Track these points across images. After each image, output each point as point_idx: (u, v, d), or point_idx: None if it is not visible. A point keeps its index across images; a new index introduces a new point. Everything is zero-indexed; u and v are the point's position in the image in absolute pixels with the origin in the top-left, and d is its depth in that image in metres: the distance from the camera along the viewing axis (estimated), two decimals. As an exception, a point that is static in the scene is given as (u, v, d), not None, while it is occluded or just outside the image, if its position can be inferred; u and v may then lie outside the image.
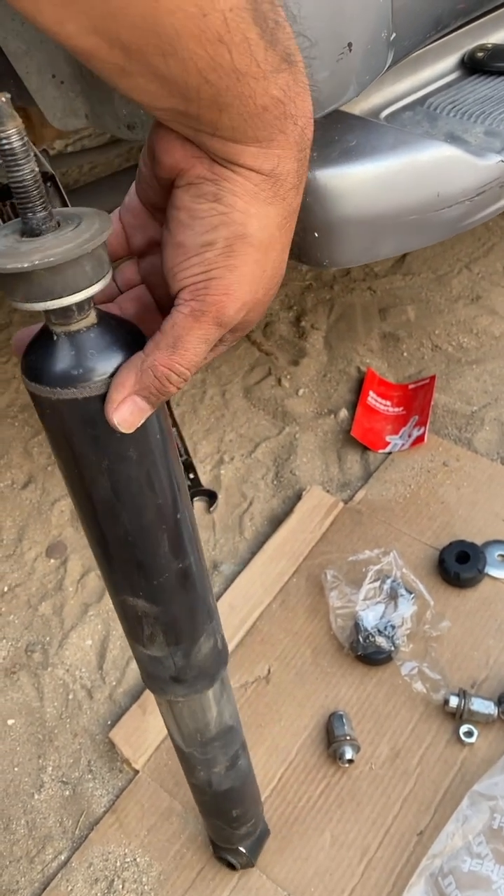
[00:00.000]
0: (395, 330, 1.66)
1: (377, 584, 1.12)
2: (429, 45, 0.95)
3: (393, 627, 1.08)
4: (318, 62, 0.69)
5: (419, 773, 0.98)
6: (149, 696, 1.10)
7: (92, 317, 0.42)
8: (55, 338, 0.42)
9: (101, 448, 0.44)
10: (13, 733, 1.13)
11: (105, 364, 0.42)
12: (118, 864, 0.97)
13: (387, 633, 1.07)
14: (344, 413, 1.49)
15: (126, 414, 0.42)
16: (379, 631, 1.07)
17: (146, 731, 1.07)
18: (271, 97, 0.37)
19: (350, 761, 0.99)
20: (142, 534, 0.50)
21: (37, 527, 1.40)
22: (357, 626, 1.08)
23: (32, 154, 0.38)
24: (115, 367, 0.42)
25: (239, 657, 1.12)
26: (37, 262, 0.37)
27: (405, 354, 1.61)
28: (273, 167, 0.40)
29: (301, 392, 1.57)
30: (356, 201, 0.82)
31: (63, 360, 0.42)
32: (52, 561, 1.34)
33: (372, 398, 1.49)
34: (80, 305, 0.41)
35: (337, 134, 0.85)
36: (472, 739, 0.99)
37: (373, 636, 1.07)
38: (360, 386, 1.55)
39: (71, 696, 1.16)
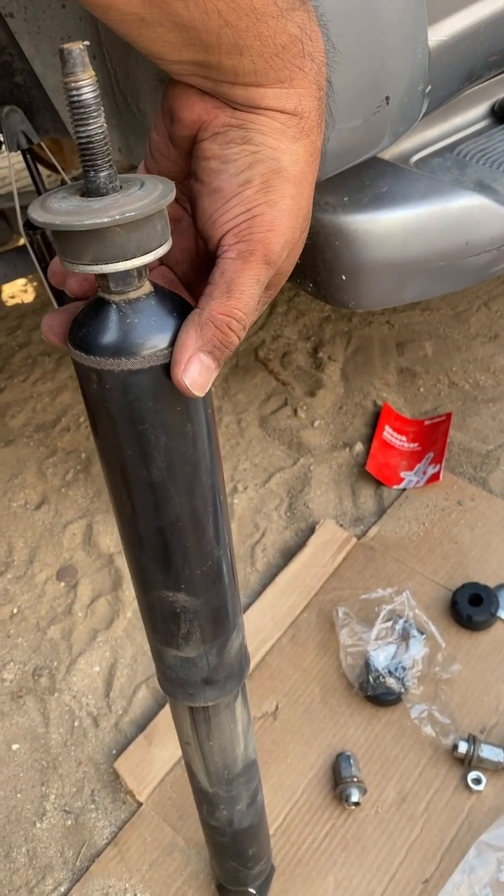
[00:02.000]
0: (412, 365, 1.67)
1: (389, 623, 1.11)
2: (461, 94, 0.96)
3: (404, 669, 1.07)
4: (355, 113, 0.70)
5: (426, 819, 0.97)
6: (155, 728, 1.10)
7: (148, 285, 0.41)
8: (115, 306, 0.41)
9: (162, 423, 0.43)
10: (17, 759, 1.12)
11: (169, 331, 0.41)
12: (118, 898, 0.96)
13: (397, 674, 1.06)
14: (359, 446, 1.50)
15: (196, 374, 0.41)
16: (389, 672, 1.06)
17: (151, 763, 1.06)
18: (289, 35, 0.38)
19: (356, 804, 0.98)
20: (192, 518, 0.49)
21: (48, 549, 1.40)
22: (367, 666, 1.08)
23: (102, 108, 0.37)
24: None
25: (247, 692, 1.12)
26: (118, 218, 0.36)
27: (422, 390, 1.61)
28: (295, 106, 0.40)
29: (317, 423, 1.58)
30: (385, 247, 0.83)
31: (125, 329, 0.40)
32: (63, 584, 1.34)
33: (388, 433, 1.50)
34: (141, 271, 0.40)
35: (368, 179, 0.86)
36: (481, 787, 0.98)
37: (383, 677, 1.06)
38: (375, 420, 1.55)
39: (77, 724, 1.15)
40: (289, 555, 1.32)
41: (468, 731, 1.03)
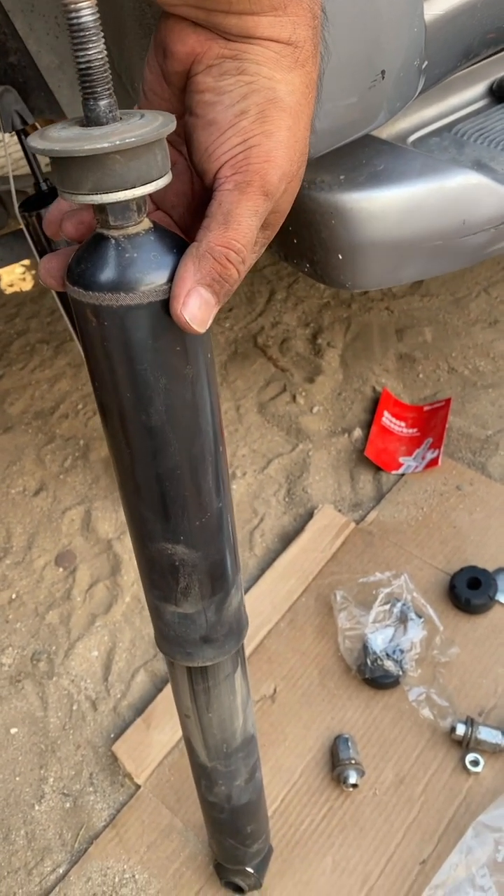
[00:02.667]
0: (411, 351, 1.66)
1: (387, 607, 1.11)
2: (458, 72, 0.95)
3: (401, 651, 1.07)
4: (350, 88, 0.69)
5: (423, 800, 0.97)
6: (153, 711, 1.10)
7: (147, 221, 0.41)
8: (114, 242, 0.40)
9: (161, 363, 0.43)
10: (16, 742, 1.13)
11: (168, 267, 0.40)
12: (116, 879, 0.96)
13: (395, 657, 1.06)
14: (358, 432, 1.49)
15: (195, 309, 0.40)
16: (387, 654, 1.06)
17: (149, 746, 1.06)
18: None
19: (354, 786, 0.98)
20: (191, 466, 0.48)
21: (47, 535, 1.40)
22: (365, 649, 1.08)
23: (102, 33, 0.37)
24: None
25: (246, 665, 1.12)
26: (118, 143, 0.35)
27: (421, 376, 1.61)
28: (290, 34, 0.40)
29: (315, 409, 1.57)
30: (382, 225, 0.83)
31: (123, 264, 0.40)
32: (61, 570, 1.34)
33: (387, 418, 1.49)
34: (141, 205, 0.40)
35: (365, 158, 0.86)
36: (479, 769, 0.98)
37: (381, 660, 1.06)
38: (374, 406, 1.54)
39: (75, 707, 1.15)
40: (287, 540, 1.31)
41: (466, 714, 1.03)
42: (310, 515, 1.34)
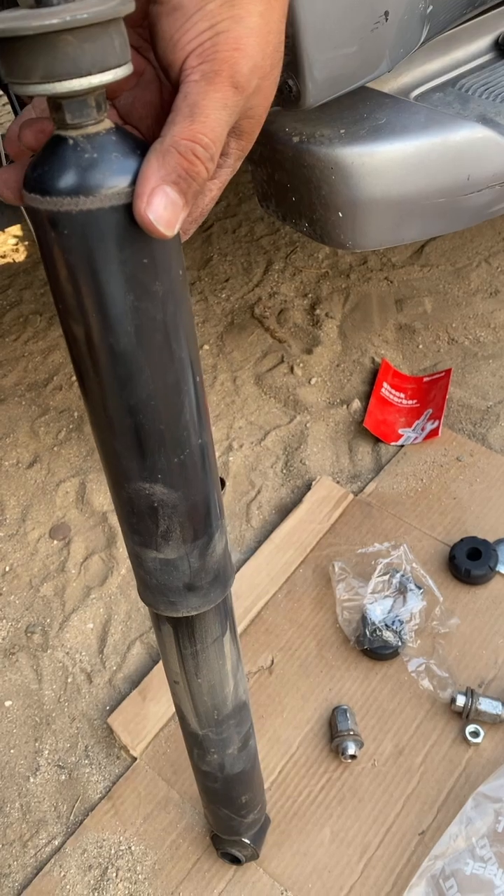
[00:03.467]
0: (411, 322, 1.63)
1: (386, 577, 1.09)
2: (462, 24, 0.91)
3: (401, 622, 1.05)
4: (351, 30, 0.66)
5: (423, 771, 0.96)
6: (149, 683, 1.09)
7: (108, 122, 0.38)
8: (72, 142, 0.37)
9: (128, 277, 0.40)
10: (10, 715, 1.11)
11: (132, 169, 0.38)
12: (112, 851, 0.95)
13: (394, 627, 1.05)
14: (357, 404, 1.47)
15: (160, 208, 0.37)
16: (386, 625, 1.05)
17: (145, 718, 1.05)
18: None
19: (353, 757, 0.97)
20: (166, 396, 0.45)
21: (41, 507, 1.38)
22: (364, 620, 1.06)
23: None
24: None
25: (243, 646, 1.10)
26: (68, 19, 0.32)
27: (420, 347, 1.58)
28: None
29: (314, 381, 1.55)
30: (383, 181, 0.80)
31: (83, 165, 0.37)
32: (56, 542, 1.32)
33: (386, 390, 1.47)
34: (100, 102, 0.37)
35: (366, 111, 0.83)
36: (479, 740, 0.97)
37: (380, 630, 1.04)
38: (373, 377, 1.52)
39: (70, 680, 1.14)
40: (285, 512, 1.30)
41: (466, 685, 1.02)
42: (308, 487, 1.32)
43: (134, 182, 0.38)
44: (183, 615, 0.59)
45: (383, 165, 0.79)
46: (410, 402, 1.46)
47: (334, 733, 0.99)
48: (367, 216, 0.82)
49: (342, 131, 0.81)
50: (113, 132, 0.38)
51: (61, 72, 0.34)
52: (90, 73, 0.35)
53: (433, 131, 0.80)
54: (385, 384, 1.48)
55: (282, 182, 0.86)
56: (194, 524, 0.52)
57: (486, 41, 0.98)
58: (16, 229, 2.17)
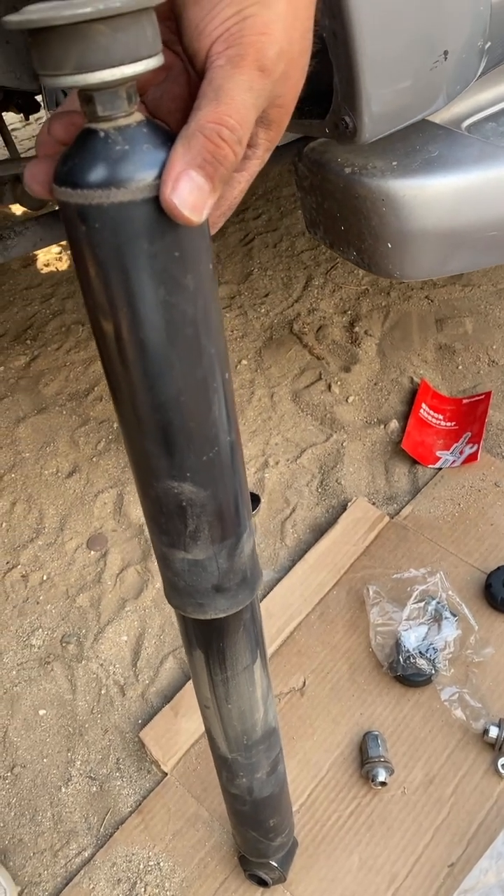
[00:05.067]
0: (451, 342, 1.63)
1: (421, 604, 1.09)
2: (518, 54, 0.91)
3: (435, 650, 1.05)
4: (411, 69, 0.67)
5: (453, 802, 0.96)
6: (181, 699, 1.10)
7: (139, 114, 0.38)
8: (103, 134, 0.37)
9: (159, 271, 0.39)
10: (44, 724, 1.13)
11: (163, 159, 0.37)
12: (141, 866, 0.96)
13: (428, 655, 1.04)
14: (394, 424, 1.47)
15: (185, 193, 0.36)
16: (420, 653, 1.04)
17: (177, 734, 1.06)
18: None
19: (383, 783, 0.97)
20: (195, 392, 0.44)
21: (79, 517, 1.40)
22: (398, 646, 1.06)
23: None
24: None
25: (274, 666, 1.11)
26: (102, 8, 0.32)
27: (460, 368, 1.57)
28: None
29: (351, 399, 1.55)
30: (435, 214, 0.80)
31: (114, 157, 0.37)
32: (93, 553, 1.34)
33: (424, 411, 1.46)
34: (131, 93, 0.37)
35: (418, 143, 0.83)
36: (511, 773, 0.96)
37: (413, 657, 1.04)
38: (412, 397, 1.52)
39: (103, 692, 1.15)
40: (319, 531, 1.30)
41: (499, 716, 1.01)
42: (343, 507, 1.32)
43: (157, 173, 0.37)
44: (211, 617, 0.58)
45: (435, 198, 0.79)
46: (449, 424, 1.45)
47: (364, 759, 0.99)
48: (416, 248, 0.82)
49: (394, 163, 0.81)
50: (144, 124, 0.38)
51: (93, 62, 0.34)
52: (122, 64, 0.34)
53: (486, 165, 0.80)
54: (424, 405, 1.47)
55: (331, 211, 0.87)
56: (223, 524, 0.52)
57: (540, 71, 0.97)
58: (60, 238, 2.20)
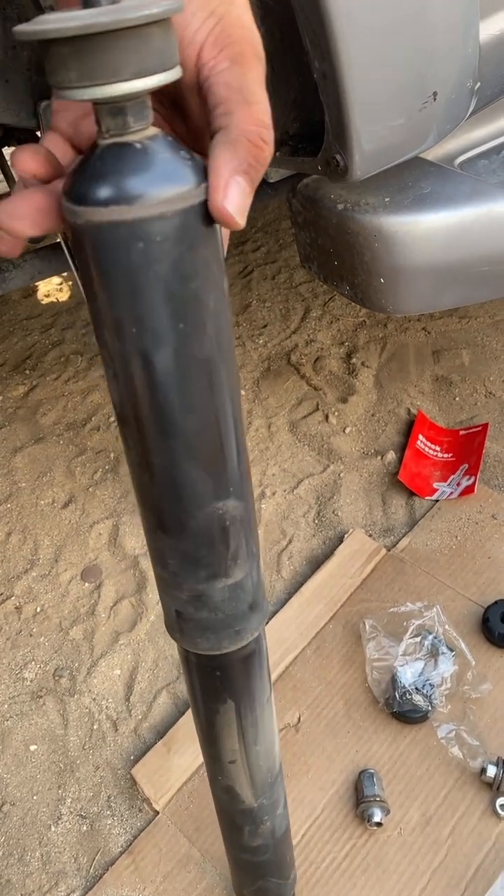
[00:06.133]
0: (448, 373, 1.63)
1: (418, 639, 1.08)
2: (509, 94, 0.92)
3: (431, 686, 1.03)
4: (400, 109, 0.68)
5: (450, 844, 0.94)
6: (174, 735, 1.08)
7: (153, 127, 0.37)
8: (140, 146, 0.36)
9: (210, 277, 0.38)
10: (35, 760, 1.11)
11: (191, 167, 0.37)
12: (131, 909, 0.94)
13: (425, 691, 1.03)
14: (391, 455, 1.46)
15: (236, 198, 0.37)
16: (417, 689, 1.03)
17: (169, 771, 1.04)
18: None
19: (378, 824, 0.95)
20: (234, 396, 0.43)
21: (74, 548, 1.39)
22: (394, 682, 1.04)
23: None
24: (204, 169, 0.37)
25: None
26: (171, 7, 0.31)
27: (457, 399, 1.57)
28: None
29: (348, 430, 1.55)
30: (427, 250, 0.80)
31: (159, 165, 0.35)
32: (87, 585, 1.33)
33: (421, 442, 1.46)
34: (144, 110, 0.36)
35: (411, 180, 0.84)
36: (509, 814, 0.94)
37: (410, 693, 1.03)
38: (409, 428, 1.52)
39: (96, 727, 1.13)
40: (316, 563, 1.29)
41: (497, 755, 0.99)
42: (339, 539, 1.31)
43: (197, 181, 0.37)
44: (246, 641, 0.55)
45: (427, 235, 0.80)
46: (446, 455, 1.45)
47: (360, 798, 0.97)
48: (409, 283, 0.83)
49: (387, 199, 0.82)
50: (161, 134, 0.37)
51: (150, 67, 0.33)
52: (166, 69, 0.34)
53: (478, 202, 0.81)
54: (421, 436, 1.47)
55: (325, 246, 0.88)
56: (253, 533, 0.50)
57: (531, 110, 0.99)
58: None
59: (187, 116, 0.42)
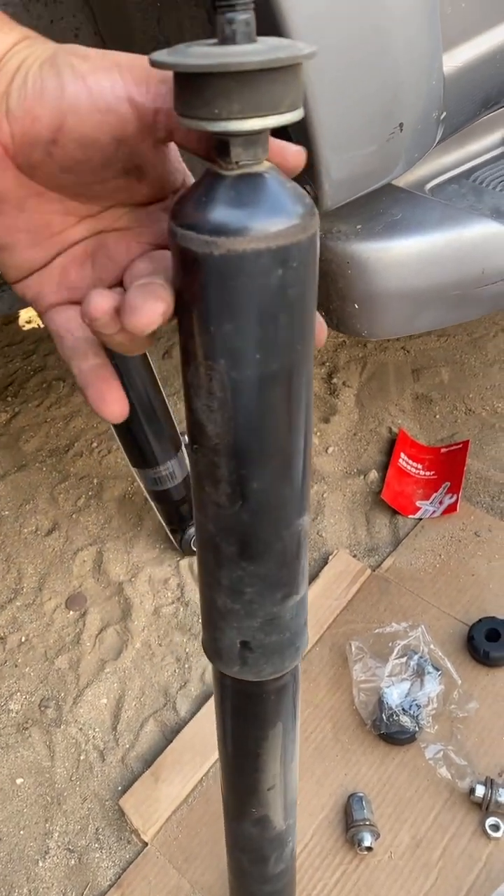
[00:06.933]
0: (428, 391, 1.64)
1: (403, 659, 1.08)
2: (477, 120, 0.94)
3: (418, 706, 1.03)
4: (368, 140, 0.69)
5: (441, 866, 0.93)
6: (162, 763, 1.07)
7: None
8: (269, 176, 0.36)
9: (311, 299, 0.39)
10: (21, 793, 1.10)
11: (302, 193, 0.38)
12: (121, 944, 0.92)
13: (411, 712, 1.03)
14: (374, 474, 1.47)
15: None
16: (403, 710, 1.03)
17: (157, 801, 1.03)
18: None
19: (369, 849, 0.94)
20: (308, 405, 0.43)
21: (58, 576, 1.39)
22: (381, 703, 1.04)
23: None
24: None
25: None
26: (306, 51, 0.32)
27: (438, 417, 1.59)
28: None
29: (331, 450, 1.55)
30: (399, 275, 0.81)
31: (285, 194, 0.36)
32: (72, 613, 1.32)
33: (403, 460, 1.47)
34: (267, 142, 0.37)
35: (382, 206, 0.85)
36: (499, 834, 0.94)
37: (397, 715, 1.03)
38: (390, 447, 1.52)
39: (82, 757, 1.12)
40: (301, 585, 1.29)
41: (486, 774, 0.99)
42: (324, 560, 1.31)
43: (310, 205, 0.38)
44: (303, 654, 0.53)
45: (399, 260, 0.81)
46: (428, 473, 1.46)
47: (350, 822, 0.97)
48: (382, 308, 0.83)
49: (358, 227, 0.83)
50: (273, 165, 0.38)
51: (297, 101, 0.35)
52: (285, 111, 0.35)
53: (448, 227, 0.82)
54: (403, 455, 1.48)
55: (300, 273, 0.89)
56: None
57: (499, 134, 1.01)
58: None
59: (143, 175, 0.41)
